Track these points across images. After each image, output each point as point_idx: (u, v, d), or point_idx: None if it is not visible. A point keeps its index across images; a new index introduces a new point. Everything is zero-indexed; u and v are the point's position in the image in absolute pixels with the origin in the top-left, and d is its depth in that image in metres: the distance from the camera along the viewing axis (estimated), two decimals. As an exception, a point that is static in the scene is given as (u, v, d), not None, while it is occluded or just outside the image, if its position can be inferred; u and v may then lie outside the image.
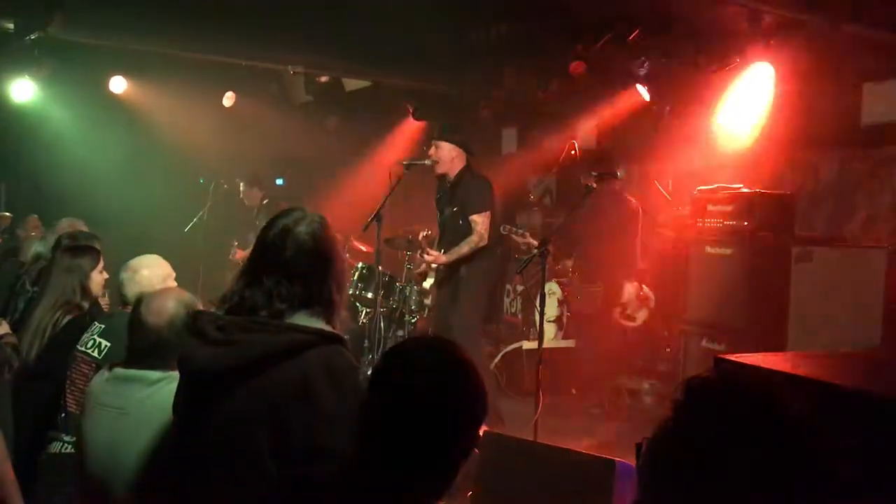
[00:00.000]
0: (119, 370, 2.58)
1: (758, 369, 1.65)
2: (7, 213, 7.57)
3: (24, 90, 7.87)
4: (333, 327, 2.27)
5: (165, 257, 3.68)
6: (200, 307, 2.59)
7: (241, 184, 8.43)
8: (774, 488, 0.96)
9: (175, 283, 3.58)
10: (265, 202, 8.39)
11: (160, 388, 2.48)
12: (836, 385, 1.46)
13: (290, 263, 2.21)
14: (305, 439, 2.03)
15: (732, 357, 1.69)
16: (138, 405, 2.47)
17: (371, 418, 1.62)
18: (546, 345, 6.76)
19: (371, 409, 1.63)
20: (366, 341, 6.31)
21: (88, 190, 8.25)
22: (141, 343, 2.56)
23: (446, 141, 5.63)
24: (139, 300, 2.66)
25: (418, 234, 5.88)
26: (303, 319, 2.19)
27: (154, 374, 2.52)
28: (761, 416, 1.00)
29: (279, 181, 10.64)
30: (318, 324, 2.21)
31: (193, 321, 2.21)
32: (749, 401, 1.01)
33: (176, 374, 2.39)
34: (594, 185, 4.54)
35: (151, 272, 3.46)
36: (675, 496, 1.01)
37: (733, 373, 1.09)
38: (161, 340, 2.54)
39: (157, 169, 8.95)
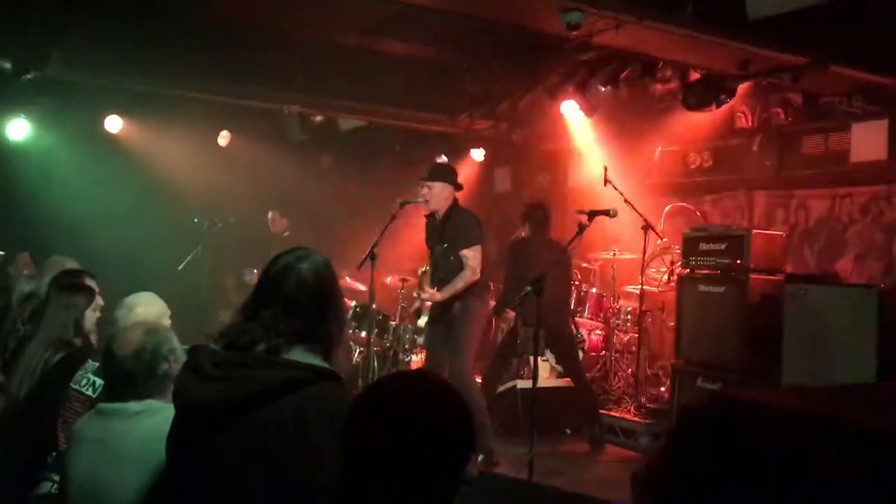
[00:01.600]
0: (102, 405, 2.58)
1: (753, 404, 1.65)
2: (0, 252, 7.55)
3: (20, 129, 7.91)
4: (331, 364, 2.27)
5: (160, 295, 3.67)
6: (174, 339, 2.60)
7: (273, 213, 8.58)
8: None
9: (169, 322, 3.58)
10: (286, 234, 8.56)
11: (140, 421, 2.47)
12: (831, 418, 1.46)
13: (290, 298, 2.21)
14: (299, 476, 2.02)
15: (727, 394, 1.69)
16: (119, 438, 2.45)
17: (350, 452, 1.60)
18: (540, 384, 6.81)
19: (350, 442, 1.60)
20: (359, 381, 6.28)
21: (83, 228, 8.25)
22: (110, 375, 2.59)
23: (438, 181, 5.67)
24: (111, 335, 2.67)
25: (416, 272, 5.90)
26: (300, 355, 2.19)
27: (134, 407, 2.51)
28: (759, 447, 1.00)
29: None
30: (316, 360, 2.21)
31: (190, 356, 2.22)
32: (746, 431, 1.01)
33: (157, 406, 2.38)
34: (587, 223, 4.57)
35: (146, 310, 3.45)
36: None
37: (729, 405, 1.08)
38: (127, 372, 2.54)
39: (152, 207, 8.95)
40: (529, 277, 4.64)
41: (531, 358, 7.08)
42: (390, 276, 7.30)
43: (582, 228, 4.57)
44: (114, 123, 8.49)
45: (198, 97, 8.07)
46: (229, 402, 2.06)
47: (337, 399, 2.09)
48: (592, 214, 4.58)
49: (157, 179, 8.89)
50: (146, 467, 2.37)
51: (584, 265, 7.97)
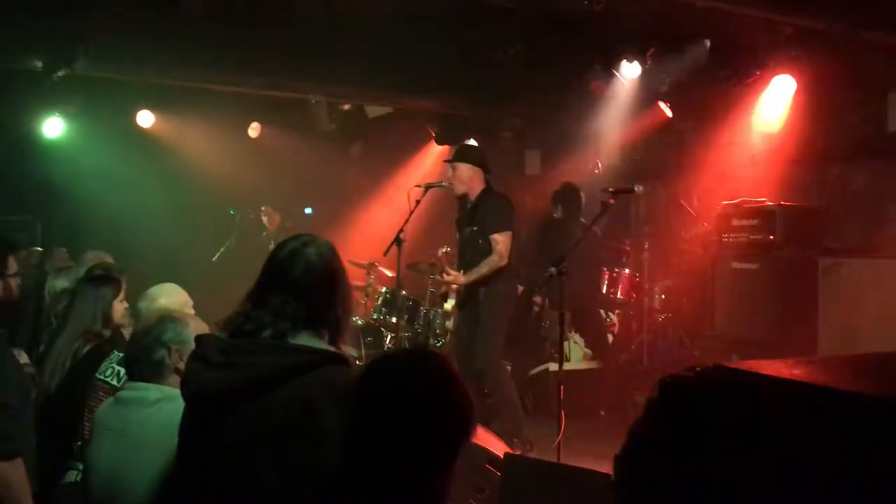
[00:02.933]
0: (120, 393, 2.62)
1: (750, 373, 1.60)
2: (38, 249, 7.69)
3: (54, 127, 8.06)
4: (338, 349, 2.27)
5: (194, 287, 3.72)
6: (186, 327, 2.63)
7: (265, 208, 8.59)
8: (753, 487, 0.92)
9: (192, 311, 3.61)
10: (286, 225, 8.55)
11: (159, 409, 2.50)
12: (827, 387, 1.42)
13: (298, 283, 2.22)
14: (306, 459, 2.02)
15: (731, 364, 1.65)
16: (138, 426, 2.49)
17: (351, 430, 1.60)
18: (573, 366, 6.78)
19: (351, 421, 1.61)
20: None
21: (119, 223, 8.39)
22: (127, 353, 2.64)
23: (462, 162, 5.62)
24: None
25: (438, 254, 5.86)
26: (306, 340, 2.20)
27: (152, 394, 2.54)
28: (739, 412, 0.96)
29: (308, 210, 10.73)
30: (322, 344, 2.22)
31: (198, 345, 2.23)
32: (727, 397, 0.98)
33: (175, 393, 2.40)
34: (612, 202, 4.50)
35: (169, 300, 3.50)
36: (653, 498, 0.98)
37: (711, 372, 1.04)
38: (130, 350, 2.67)
39: (185, 200, 9.07)
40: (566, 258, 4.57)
41: (564, 341, 7.11)
42: (419, 261, 7.29)
43: (606, 208, 4.51)
44: (145, 118, 8.60)
45: (226, 89, 8.13)
46: (236, 388, 2.08)
47: (343, 381, 2.08)
48: (617, 193, 4.51)
49: (189, 172, 8.99)
50: (165, 454, 2.39)
51: (618, 246, 7.89)
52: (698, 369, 1.05)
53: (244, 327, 2.21)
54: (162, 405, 2.53)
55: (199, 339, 2.24)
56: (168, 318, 2.71)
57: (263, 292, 2.25)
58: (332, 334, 2.27)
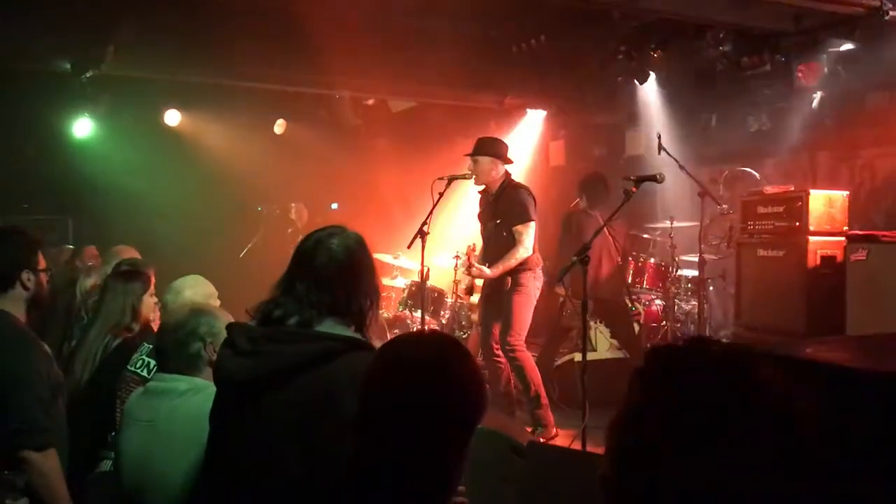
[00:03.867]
0: (149, 384, 2.68)
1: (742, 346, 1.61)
2: (69, 246, 7.84)
3: (84, 127, 8.20)
4: (364, 336, 2.31)
5: (221, 283, 3.78)
6: (218, 319, 2.67)
7: (295, 204, 8.69)
8: (745, 456, 0.94)
9: (218, 302, 3.68)
10: (317, 220, 8.65)
11: (187, 400, 2.55)
12: (819, 363, 1.42)
13: (321, 272, 2.27)
14: (332, 445, 2.05)
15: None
16: (166, 417, 2.54)
17: (362, 415, 1.63)
18: (600, 356, 6.77)
19: (362, 405, 1.64)
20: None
21: (147, 220, 8.53)
22: (155, 348, 2.68)
23: (483, 154, 5.64)
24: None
25: (465, 249, 5.88)
26: (331, 327, 2.24)
27: (181, 386, 2.59)
28: (731, 381, 0.98)
29: (334, 206, 10.81)
30: (347, 331, 2.26)
31: (228, 333, 2.29)
32: (719, 366, 0.99)
33: (202, 384, 2.45)
34: (633, 190, 4.49)
35: (194, 292, 3.56)
36: (644, 470, 1.00)
37: (699, 343, 1.06)
38: (163, 344, 2.67)
39: (213, 197, 9.18)
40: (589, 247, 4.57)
41: (591, 330, 7.10)
42: (445, 253, 7.33)
43: (629, 196, 4.50)
44: (173, 117, 8.72)
45: (252, 87, 8.22)
46: (262, 375, 2.12)
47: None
48: (639, 181, 4.50)
49: (216, 169, 9.10)
50: (194, 445, 2.43)
51: (645, 236, 7.86)
52: (688, 340, 1.07)
53: (272, 314, 2.26)
54: (190, 396, 2.58)
55: (230, 327, 2.30)
56: (200, 311, 2.76)
57: (290, 280, 2.30)
58: (358, 323, 2.32)
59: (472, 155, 5.68)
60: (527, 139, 9.48)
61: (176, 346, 2.68)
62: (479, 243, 5.97)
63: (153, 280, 4.13)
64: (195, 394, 2.57)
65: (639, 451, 1.00)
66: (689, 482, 0.94)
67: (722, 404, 0.96)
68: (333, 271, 2.28)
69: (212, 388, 2.37)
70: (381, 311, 7.36)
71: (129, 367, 3.38)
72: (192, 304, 2.87)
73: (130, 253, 5.09)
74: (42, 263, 3.17)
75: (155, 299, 4.09)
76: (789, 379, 0.98)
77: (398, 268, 7.82)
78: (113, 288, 3.97)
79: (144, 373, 3.32)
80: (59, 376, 3.28)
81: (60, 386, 3.25)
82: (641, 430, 1.01)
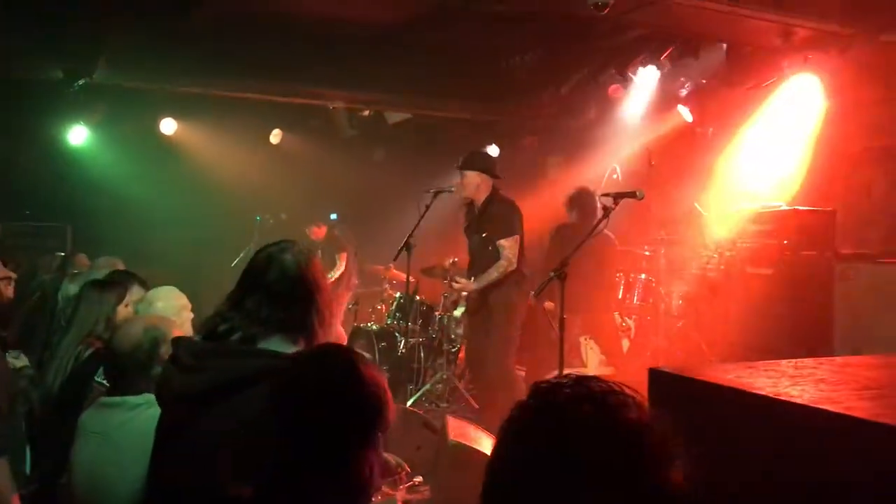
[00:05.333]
0: (104, 398, 2.66)
1: (676, 378, 1.59)
2: (60, 254, 7.85)
3: (79, 135, 8.22)
4: None
5: (215, 291, 3.75)
6: (175, 333, 2.65)
7: (309, 228, 8.72)
8: (607, 489, 0.93)
9: (191, 315, 3.66)
10: (334, 232, 8.68)
11: (139, 413, 2.53)
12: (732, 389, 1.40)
13: (272, 287, 2.24)
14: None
15: (667, 369, 1.64)
16: (117, 430, 2.52)
17: (274, 432, 1.64)
18: (587, 372, 6.73)
19: (273, 423, 1.65)
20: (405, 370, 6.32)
21: (143, 228, 8.54)
22: (107, 368, 2.64)
23: (470, 169, 5.64)
24: (116, 328, 2.73)
25: (446, 265, 5.88)
26: (276, 344, 2.21)
27: (134, 400, 2.57)
28: (598, 418, 0.96)
29: (333, 216, 10.81)
30: (291, 349, 2.23)
31: (173, 347, 2.27)
32: (588, 404, 0.98)
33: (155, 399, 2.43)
34: (613, 207, 4.47)
35: (166, 304, 3.53)
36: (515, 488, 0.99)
37: (583, 379, 1.04)
38: (120, 367, 2.60)
39: (208, 206, 9.19)
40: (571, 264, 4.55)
41: (581, 346, 7.07)
42: (434, 266, 7.31)
43: (608, 212, 4.48)
44: (168, 126, 8.74)
45: (248, 97, 8.24)
46: (203, 391, 2.10)
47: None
48: (618, 197, 4.48)
49: (211, 179, 9.12)
50: (144, 458, 2.41)
51: (635, 251, 7.83)
52: (576, 378, 1.05)
53: (218, 329, 2.23)
54: (143, 410, 2.56)
55: (175, 341, 2.28)
56: (154, 330, 2.72)
57: (240, 295, 2.27)
58: (307, 341, 2.29)
59: (459, 168, 5.67)
60: (523, 152, 9.47)
61: (138, 368, 2.64)
62: (463, 256, 5.96)
63: (130, 291, 4.12)
64: (148, 407, 2.54)
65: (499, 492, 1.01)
66: None
67: (584, 436, 0.96)
68: (285, 287, 2.25)
69: (166, 403, 2.36)
70: (370, 325, 7.35)
71: (97, 378, 3.36)
72: (144, 321, 2.83)
73: (115, 264, 5.07)
74: (4, 272, 3.16)
75: (130, 309, 4.08)
76: (659, 413, 0.97)
77: (391, 279, 7.80)
78: (88, 297, 3.96)
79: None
80: (14, 384, 3.26)
81: (17, 394, 3.23)
82: (503, 474, 1.01)
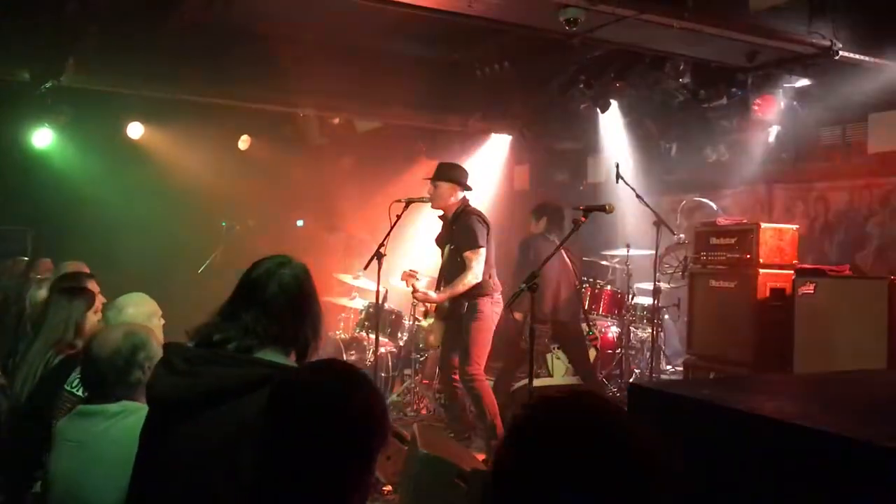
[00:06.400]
0: (81, 406, 2.65)
1: (655, 393, 1.65)
2: (24, 258, 7.74)
3: (44, 137, 8.12)
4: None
5: (180, 297, 3.74)
6: (154, 344, 2.65)
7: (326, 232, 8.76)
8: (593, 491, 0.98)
9: (161, 321, 3.65)
10: (352, 241, 8.71)
11: (118, 422, 2.53)
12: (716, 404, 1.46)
13: (270, 302, 2.28)
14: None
15: (646, 384, 1.70)
16: (95, 438, 2.51)
17: (263, 443, 1.65)
18: (555, 381, 6.82)
19: (263, 434, 1.66)
20: (373, 379, 6.32)
21: (108, 233, 8.45)
22: (85, 374, 2.64)
23: (443, 180, 5.68)
24: (94, 334, 2.73)
25: (405, 274, 5.91)
26: (270, 355, 2.24)
27: (112, 408, 2.57)
28: (582, 438, 1.01)
29: (299, 223, 10.79)
30: (285, 360, 2.26)
31: (165, 352, 2.28)
32: (575, 422, 1.03)
33: (134, 407, 2.43)
34: (583, 220, 4.55)
35: (137, 310, 3.52)
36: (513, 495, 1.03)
37: (577, 396, 1.09)
38: (100, 374, 2.60)
39: (175, 211, 9.12)
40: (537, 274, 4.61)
41: (547, 356, 7.14)
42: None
43: (577, 225, 4.55)
44: (135, 130, 8.67)
45: (216, 102, 8.19)
46: (195, 396, 2.12)
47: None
48: (588, 211, 4.56)
49: (178, 184, 9.05)
50: (123, 467, 2.40)
51: (603, 263, 7.94)
52: (570, 392, 1.10)
53: (212, 338, 2.25)
54: (122, 418, 2.56)
55: (167, 346, 2.29)
56: (134, 335, 2.72)
57: (236, 307, 2.30)
58: (300, 353, 2.32)
59: (431, 179, 5.71)
60: (492, 163, 9.55)
61: (117, 374, 2.64)
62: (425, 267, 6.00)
63: (98, 296, 4.09)
64: (126, 416, 2.54)
65: (512, 485, 1.04)
66: None
67: (577, 465, 1.00)
68: (284, 302, 2.29)
69: (144, 411, 2.36)
70: (338, 333, 7.34)
71: (66, 385, 3.33)
72: (124, 327, 2.83)
73: (80, 269, 5.03)
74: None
75: (99, 316, 4.05)
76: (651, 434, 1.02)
77: (357, 289, 7.81)
78: (57, 303, 3.93)
79: (80, 392, 3.27)
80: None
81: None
82: (511, 471, 1.04)
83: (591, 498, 0.98)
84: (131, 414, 2.56)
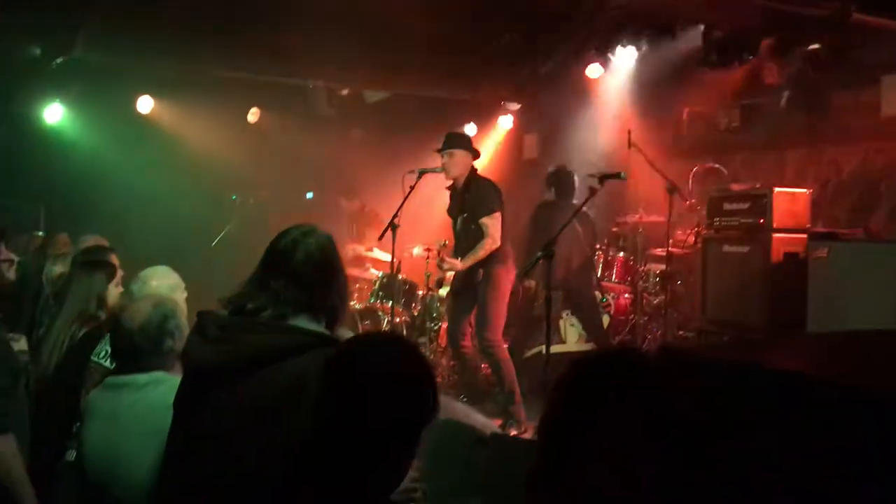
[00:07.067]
0: (110, 378, 2.69)
1: (690, 354, 1.68)
2: (40, 233, 7.78)
3: (55, 113, 8.13)
4: (333, 333, 2.36)
5: (193, 272, 3.78)
6: (182, 314, 2.69)
7: (343, 201, 8.73)
8: (644, 448, 1.00)
9: (184, 294, 3.70)
10: (366, 210, 8.68)
11: (148, 393, 2.57)
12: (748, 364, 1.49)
13: (297, 270, 2.31)
14: (294, 438, 2.09)
15: (679, 346, 1.73)
16: (128, 410, 2.56)
17: (320, 414, 1.68)
18: (568, 348, 6.86)
19: (320, 404, 1.69)
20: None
21: (119, 207, 8.47)
22: (116, 346, 2.68)
23: (458, 148, 5.69)
24: (122, 307, 2.76)
25: (436, 246, 5.96)
26: (304, 323, 2.28)
27: (142, 379, 2.61)
28: (636, 385, 1.04)
29: (309, 195, 10.79)
30: (318, 328, 2.30)
31: (198, 320, 2.32)
32: (624, 380, 1.05)
33: (164, 377, 2.47)
34: (599, 187, 4.57)
35: (160, 282, 3.56)
36: (563, 458, 1.06)
37: (623, 350, 1.12)
38: (132, 344, 2.64)
39: (186, 185, 9.13)
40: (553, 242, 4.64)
41: (560, 322, 7.18)
42: (417, 246, 7.37)
43: (593, 192, 4.57)
44: (145, 104, 8.67)
45: (225, 75, 8.18)
46: (231, 363, 2.16)
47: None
48: (603, 178, 4.57)
49: (189, 157, 9.04)
50: (155, 437, 2.44)
51: (613, 229, 7.95)
52: (610, 350, 1.13)
53: (245, 306, 2.29)
54: (151, 389, 2.60)
55: (201, 314, 2.32)
56: (162, 305, 2.76)
57: (265, 276, 2.33)
58: (329, 320, 2.36)
59: (447, 148, 5.72)
60: (501, 132, 9.53)
61: (150, 343, 2.67)
62: (448, 241, 6.03)
63: (118, 268, 4.13)
64: (156, 386, 2.59)
65: (561, 452, 1.06)
66: (605, 483, 1.00)
67: (635, 416, 1.03)
68: (311, 270, 2.32)
69: (173, 381, 2.40)
70: (352, 303, 7.39)
71: (92, 357, 3.39)
72: (151, 298, 2.87)
73: (101, 243, 5.06)
74: (5, 254, 3.17)
75: (121, 288, 4.10)
76: (696, 389, 1.05)
77: (371, 259, 7.84)
78: (78, 277, 3.97)
79: (107, 363, 3.32)
80: (18, 363, 3.28)
81: (21, 372, 3.24)
82: (563, 434, 1.07)
83: (633, 448, 1.01)
84: (161, 384, 2.60)
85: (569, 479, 1.04)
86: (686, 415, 1.03)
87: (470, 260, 5.63)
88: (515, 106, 9.31)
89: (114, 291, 4.04)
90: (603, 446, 1.02)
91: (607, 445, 1.02)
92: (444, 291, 6.11)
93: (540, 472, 1.08)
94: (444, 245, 6.02)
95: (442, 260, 5.79)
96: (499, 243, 5.59)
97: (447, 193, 6.08)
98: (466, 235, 5.72)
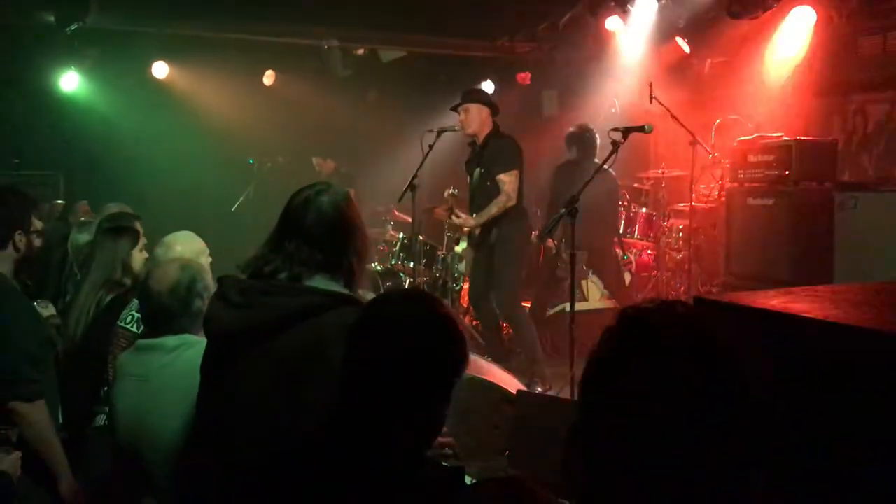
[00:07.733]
0: (140, 341, 2.70)
1: (731, 306, 1.65)
2: (60, 202, 7.82)
3: (71, 81, 8.12)
4: (352, 292, 2.34)
5: (214, 236, 3.78)
6: (208, 276, 2.69)
7: (315, 159, 8.66)
8: (696, 408, 0.98)
9: (209, 259, 3.70)
10: (341, 170, 8.62)
11: (178, 355, 2.58)
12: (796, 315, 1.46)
13: (310, 230, 2.28)
14: (320, 397, 2.09)
15: (712, 297, 1.70)
16: (158, 372, 2.57)
17: (349, 370, 1.67)
18: (591, 306, 6.84)
19: (348, 362, 1.68)
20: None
21: (138, 174, 8.48)
22: (146, 310, 2.69)
23: (473, 102, 5.62)
24: (149, 271, 2.77)
25: (445, 195, 5.88)
26: (321, 283, 2.26)
27: (171, 342, 2.62)
28: (695, 343, 1.01)
29: (314, 160, 10.74)
30: (336, 287, 2.28)
31: (218, 285, 2.32)
32: (676, 327, 1.03)
33: (193, 340, 2.47)
34: (622, 142, 4.49)
35: (185, 247, 3.56)
36: (608, 415, 1.04)
37: (670, 304, 1.09)
38: (162, 307, 2.65)
39: (203, 150, 9.12)
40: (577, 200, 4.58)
41: (582, 281, 7.15)
42: (436, 206, 7.33)
43: (616, 146, 4.50)
44: (160, 69, 8.63)
45: (239, 38, 8.12)
46: (253, 327, 2.16)
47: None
48: (627, 131, 4.50)
49: (205, 122, 9.02)
50: (186, 399, 2.47)
51: (635, 185, 7.87)
52: (660, 301, 1.10)
53: (263, 270, 2.28)
54: (182, 351, 2.62)
55: (221, 280, 2.32)
56: (189, 267, 2.77)
57: (279, 238, 2.31)
58: (347, 280, 2.34)
59: (462, 103, 5.65)
60: (520, 89, 9.41)
61: (181, 304, 2.68)
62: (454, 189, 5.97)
63: (142, 234, 4.14)
64: (187, 349, 2.60)
65: (608, 405, 1.04)
66: (655, 436, 0.98)
67: (687, 365, 1.00)
68: (323, 229, 2.29)
69: (202, 343, 2.40)
70: (374, 265, 7.40)
71: (119, 322, 3.41)
72: (177, 261, 2.87)
73: (125, 211, 5.07)
74: (35, 225, 3.19)
75: (145, 254, 4.11)
76: (746, 338, 1.02)
77: (391, 220, 7.82)
78: (102, 244, 3.98)
79: (134, 328, 3.34)
80: (49, 331, 3.30)
81: (50, 340, 3.27)
82: (609, 385, 1.05)
83: (689, 387, 0.98)
84: (190, 347, 2.61)
85: (616, 425, 1.01)
86: (739, 355, 1.01)
87: (483, 217, 5.58)
88: (535, 60, 9.17)
89: (138, 257, 4.05)
90: (655, 387, 0.99)
91: (660, 385, 0.99)
92: (460, 248, 6.07)
93: (582, 425, 1.06)
94: (454, 194, 5.94)
95: (452, 211, 5.73)
96: (514, 201, 5.53)
97: (461, 152, 6.02)
98: (482, 191, 5.66)
